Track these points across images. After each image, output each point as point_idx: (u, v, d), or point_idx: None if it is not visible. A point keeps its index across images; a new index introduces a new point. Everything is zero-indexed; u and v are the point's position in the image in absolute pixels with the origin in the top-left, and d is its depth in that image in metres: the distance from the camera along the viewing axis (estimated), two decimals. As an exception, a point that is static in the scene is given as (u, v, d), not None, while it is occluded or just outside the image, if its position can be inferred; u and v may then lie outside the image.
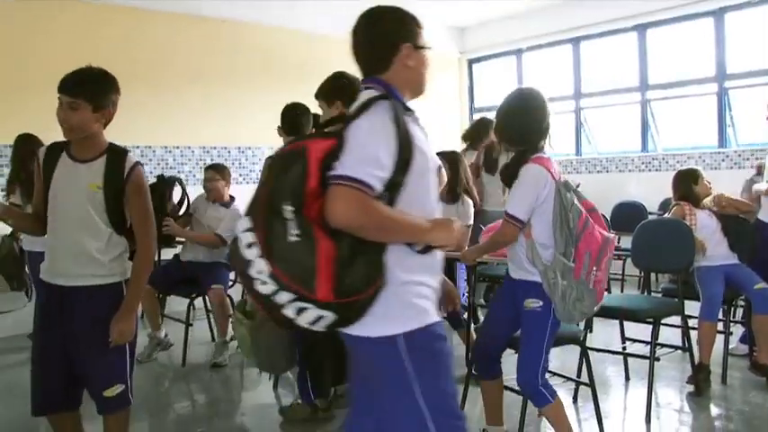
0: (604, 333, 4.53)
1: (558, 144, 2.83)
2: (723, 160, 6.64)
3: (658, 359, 3.55)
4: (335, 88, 3.16)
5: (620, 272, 5.74)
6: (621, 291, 5.78)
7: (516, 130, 2.75)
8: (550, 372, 3.54)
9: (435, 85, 8.16)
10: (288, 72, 6.93)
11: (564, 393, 3.55)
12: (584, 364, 3.23)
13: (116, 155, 2.37)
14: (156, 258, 5.12)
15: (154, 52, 6.22)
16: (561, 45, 7.99)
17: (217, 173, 4.79)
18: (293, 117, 3.85)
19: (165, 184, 4.31)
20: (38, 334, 2.43)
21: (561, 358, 3.91)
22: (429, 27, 6.97)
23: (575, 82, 7.90)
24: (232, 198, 4.82)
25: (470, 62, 9.03)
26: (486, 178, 5.19)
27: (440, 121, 8.50)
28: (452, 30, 8.73)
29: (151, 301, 4.61)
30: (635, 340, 4.01)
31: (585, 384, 3.22)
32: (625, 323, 4.00)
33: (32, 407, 2.36)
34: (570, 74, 7.93)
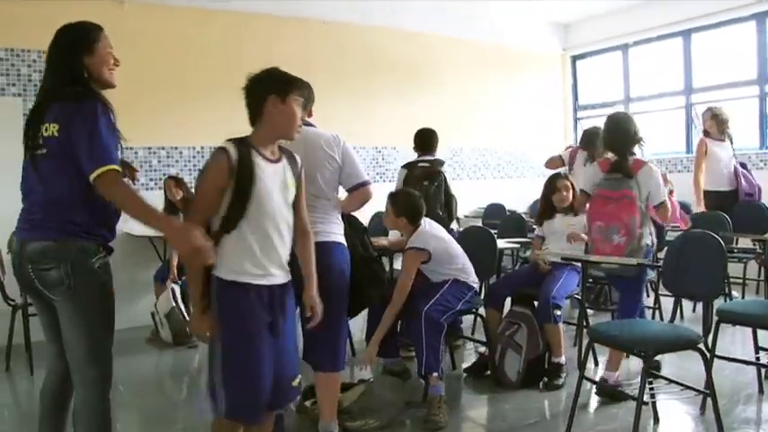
0: (734, 341, 4.30)
1: (665, 142, 3.07)
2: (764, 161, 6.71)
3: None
4: None
5: (741, 275, 5.45)
6: (743, 296, 5.48)
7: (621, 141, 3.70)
8: (665, 378, 3.45)
9: (538, 83, 8.20)
10: (394, 72, 7.03)
11: (683, 403, 3.44)
12: (706, 372, 3.09)
13: (289, 154, 2.52)
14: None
15: (256, 55, 6.44)
16: (671, 38, 7.67)
17: None
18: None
19: None
20: (252, 338, 2.29)
21: (684, 366, 3.77)
22: (531, 24, 7.02)
23: (685, 77, 7.57)
24: None
25: (574, 59, 8.82)
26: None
27: (542, 119, 8.38)
28: (555, 26, 8.55)
29: None
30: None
31: (707, 394, 3.09)
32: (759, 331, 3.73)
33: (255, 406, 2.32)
34: (680, 68, 7.60)
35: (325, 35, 6.77)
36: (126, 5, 5.75)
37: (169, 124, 5.99)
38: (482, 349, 4.38)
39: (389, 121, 6.89)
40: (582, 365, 3.37)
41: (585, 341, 3.46)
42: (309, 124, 3.16)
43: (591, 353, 3.93)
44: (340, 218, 3.07)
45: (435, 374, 3.45)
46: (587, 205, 3.82)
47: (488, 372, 4.02)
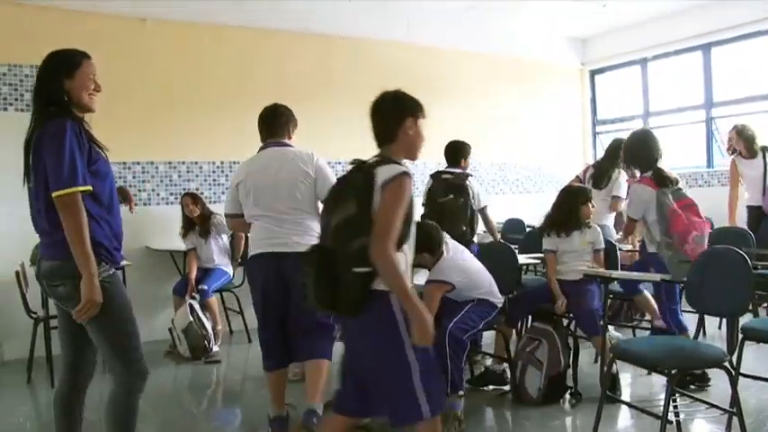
0: (758, 358, 4.23)
1: (685, 156, 3.12)
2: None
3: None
4: None
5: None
6: None
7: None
8: (690, 396, 3.39)
9: (556, 98, 8.18)
10: (411, 87, 7.03)
11: (708, 422, 3.38)
12: (732, 390, 3.04)
13: None
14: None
15: (273, 70, 6.50)
16: (690, 52, 7.63)
17: None
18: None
19: None
20: None
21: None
22: (549, 38, 7.02)
23: (705, 91, 7.52)
24: None
25: (592, 73, 8.80)
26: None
27: (561, 133, 8.36)
28: (573, 40, 8.54)
29: None
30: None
31: (732, 413, 3.03)
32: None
33: None
34: (700, 82, 7.56)
35: (340, 50, 6.82)
36: (148, 23, 5.83)
37: (189, 139, 6.05)
38: (488, 362, 4.39)
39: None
40: (604, 382, 3.34)
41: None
42: (288, 144, 3.53)
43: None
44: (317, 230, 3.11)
45: (462, 393, 3.45)
46: (672, 223, 3.81)
47: (490, 385, 4.07)
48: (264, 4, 6.22)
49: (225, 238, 5.75)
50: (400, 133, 2.40)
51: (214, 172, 6.25)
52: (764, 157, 5.76)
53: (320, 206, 3.12)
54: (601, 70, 8.73)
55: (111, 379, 2.57)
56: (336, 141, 6.70)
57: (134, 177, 5.85)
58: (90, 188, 2.40)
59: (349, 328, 2.42)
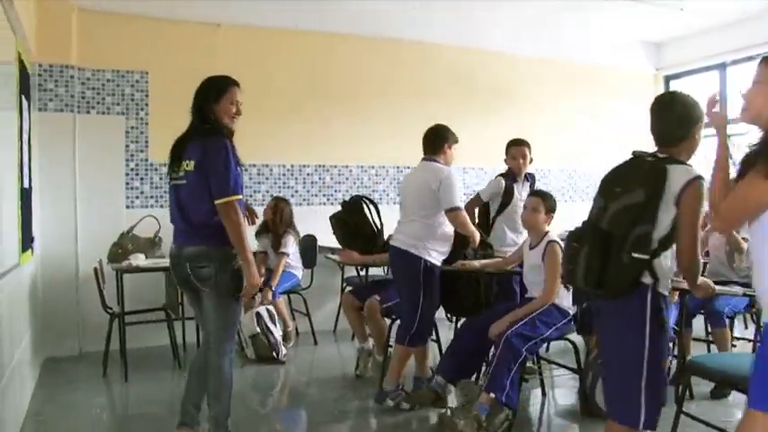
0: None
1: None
2: None
3: None
4: None
5: None
6: None
7: None
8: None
9: (629, 103, 7.91)
10: (480, 92, 7.01)
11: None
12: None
13: None
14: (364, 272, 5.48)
15: (346, 74, 6.57)
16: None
17: None
18: None
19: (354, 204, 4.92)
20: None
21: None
22: (623, 43, 6.78)
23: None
24: None
25: (667, 78, 8.51)
26: None
27: (633, 140, 8.10)
28: (648, 45, 8.29)
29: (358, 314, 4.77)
30: None
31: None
32: None
33: None
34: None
35: (410, 54, 6.83)
36: (222, 28, 5.99)
37: (260, 142, 6.15)
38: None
39: (475, 141, 6.84)
40: (680, 399, 3.21)
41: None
42: (434, 160, 4.04)
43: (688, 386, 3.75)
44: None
45: (493, 395, 3.37)
46: None
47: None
48: (337, 9, 6.28)
49: (292, 246, 5.71)
50: (689, 137, 2.51)
51: (284, 175, 6.35)
52: None
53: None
54: (676, 75, 8.44)
55: (212, 348, 3.11)
56: (403, 144, 6.74)
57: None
58: (241, 196, 2.99)
59: (604, 313, 2.53)
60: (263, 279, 5.47)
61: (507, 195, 4.78)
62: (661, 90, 8.49)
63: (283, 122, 6.19)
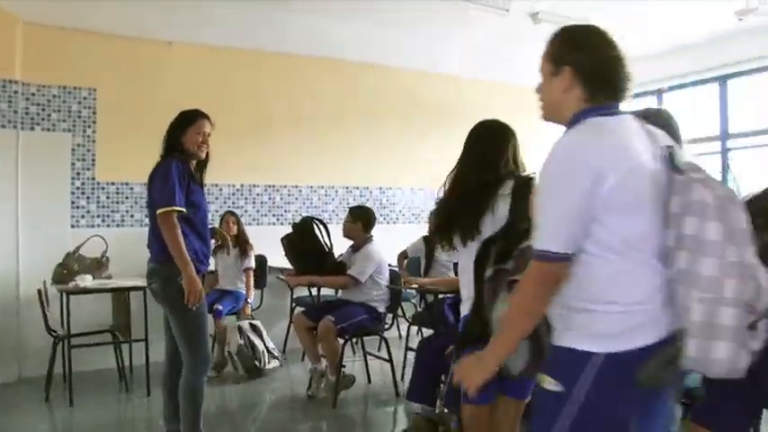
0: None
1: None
2: None
3: None
4: None
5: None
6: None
7: None
8: None
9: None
10: (432, 116, 7.13)
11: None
12: None
13: None
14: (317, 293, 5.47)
15: (297, 94, 6.59)
16: (705, 84, 7.68)
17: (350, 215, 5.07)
18: None
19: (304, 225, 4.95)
20: None
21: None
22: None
23: (721, 122, 7.55)
24: (368, 239, 4.98)
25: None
26: None
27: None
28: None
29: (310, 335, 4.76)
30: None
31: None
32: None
33: None
34: (715, 114, 7.60)
35: (361, 76, 6.91)
36: (174, 46, 5.93)
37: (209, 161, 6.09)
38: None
39: (429, 164, 6.92)
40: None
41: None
42: None
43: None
44: None
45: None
46: None
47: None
48: (293, 30, 6.31)
49: (249, 263, 5.77)
50: None
51: (233, 194, 6.31)
52: None
53: None
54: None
55: (183, 362, 3.24)
56: (353, 165, 6.79)
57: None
58: (184, 210, 3.13)
59: None
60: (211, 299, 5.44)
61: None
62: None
63: (233, 142, 6.13)
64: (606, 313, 1.55)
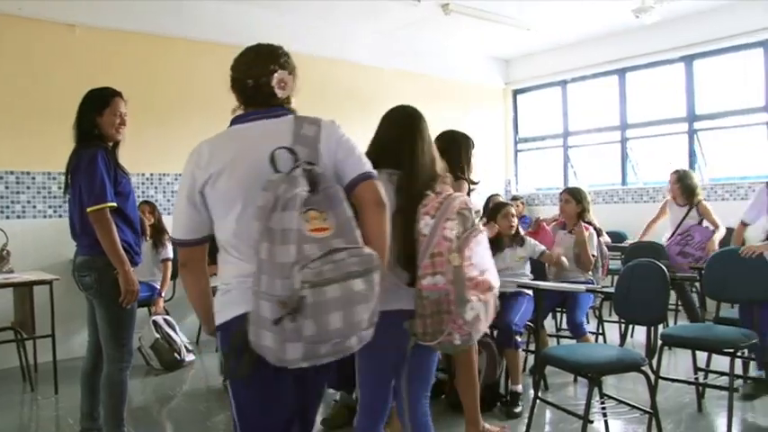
0: (669, 363, 4.52)
1: (604, 174, 3.17)
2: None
3: (737, 390, 3.54)
4: None
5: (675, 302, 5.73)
6: (675, 321, 5.76)
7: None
8: (613, 398, 3.60)
9: (480, 115, 8.46)
10: (345, 103, 7.14)
11: (630, 422, 3.60)
12: (651, 393, 3.25)
13: None
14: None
15: (209, 81, 6.40)
16: (606, 76, 8.09)
17: None
18: None
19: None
20: None
21: (626, 388, 3.94)
22: (474, 58, 7.22)
23: (620, 113, 7.99)
24: None
25: (515, 93, 9.17)
26: None
27: (487, 150, 8.65)
28: (497, 61, 8.89)
29: None
30: (707, 371, 4.01)
31: (649, 413, 3.24)
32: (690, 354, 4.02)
33: None
34: (615, 104, 8.02)
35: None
36: (77, 30, 5.68)
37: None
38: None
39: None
40: (536, 387, 3.51)
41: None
42: None
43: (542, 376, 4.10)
44: None
45: None
46: None
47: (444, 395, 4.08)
48: (200, 15, 6.19)
49: (165, 253, 5.67)
50: None
51: (143, 184, 6.13)
52: (692, 208, 5.60)
53: None
54: (523, 90, 9.12)
55: (106, 358, 3.15)
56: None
57: (59, 188, 5.64)
58: (115, 204, 2.99)
59: None
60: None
61: None
62: (510, 103, 9.12)
63: (142, 130, 5.94)
64: None
